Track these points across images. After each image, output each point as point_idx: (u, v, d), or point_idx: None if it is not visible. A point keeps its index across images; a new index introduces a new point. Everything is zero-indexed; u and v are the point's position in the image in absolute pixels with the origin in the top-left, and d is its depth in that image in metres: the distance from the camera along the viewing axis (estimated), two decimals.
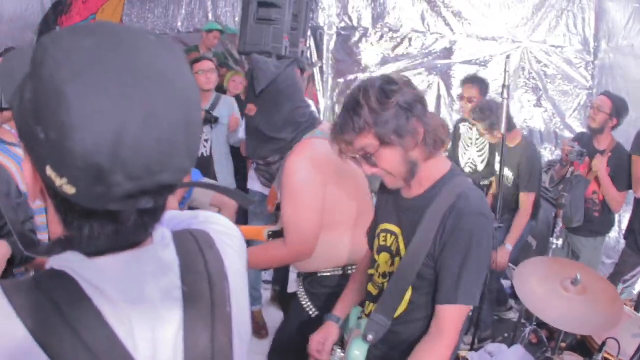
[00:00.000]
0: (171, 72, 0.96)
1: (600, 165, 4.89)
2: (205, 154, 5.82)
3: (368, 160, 2.20)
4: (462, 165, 5.87)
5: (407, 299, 2.30)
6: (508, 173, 5.38)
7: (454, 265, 2.13)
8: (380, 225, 2.50)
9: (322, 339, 2.63)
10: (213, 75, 5.72)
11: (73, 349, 0.99)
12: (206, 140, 5.81)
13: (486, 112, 5.07)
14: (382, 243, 2.46)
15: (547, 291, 3.24)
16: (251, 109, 3.01)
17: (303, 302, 3.16)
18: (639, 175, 4.83)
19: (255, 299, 5.54)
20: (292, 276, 5.73)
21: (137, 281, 1.10)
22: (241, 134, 5.57)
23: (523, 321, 4.98)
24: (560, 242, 4.46)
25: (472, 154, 5.77)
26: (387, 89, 2.11)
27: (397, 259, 2.34)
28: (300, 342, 2.85)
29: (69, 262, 1.05)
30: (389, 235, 2.42)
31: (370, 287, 2.52)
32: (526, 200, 5.25)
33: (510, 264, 5.20)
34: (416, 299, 2.30)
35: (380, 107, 2.08)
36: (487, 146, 5.68)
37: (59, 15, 9.44)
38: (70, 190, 0.92)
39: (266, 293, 6.15)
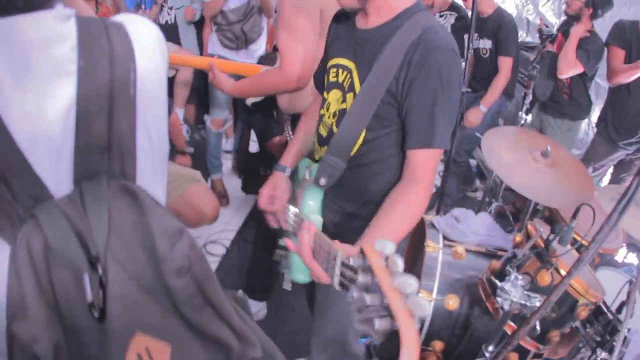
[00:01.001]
0: None
1: (577, 29, 4.78)
2: (169, 22, 5.82)
3: None
4: None
5: (361, 139, 2.09)
6: (485, 43, 5.39)
7: (425, 106, 1.90)
8: (330, 60, 2.23)
9: (270, 190, 2.39)
10: None
11: None
12: (170, 8, 5.76)
13: None
14: (333, 79, 2.20)
15: (516, 159, 3.15)
16: None
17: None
18: (614, 64, 4.76)
19: (216, 167, 5.56)
20: (254, 145, 5.70)
21: (24, 48, 0.99)
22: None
23: (488, 199, 4.97)
24: (529, 117, 4.40)
25: None
26: None
27: (349, 95, 2.09)
28: None
29: None
30: (340, 70, 2.15)
31: (321, 129, 2.30)
32: (504, 63, 5.27)
33: (478, 134, 5.15)
34: (371, 139, 2.07)
35: None
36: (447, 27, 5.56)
37: None
38: None
39: (227, 163, 6.15)
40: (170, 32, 5.61)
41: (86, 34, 1.04)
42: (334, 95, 2.19)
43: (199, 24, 5.95)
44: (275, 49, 3.40)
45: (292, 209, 2.18)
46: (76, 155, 1.01)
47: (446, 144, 1.96)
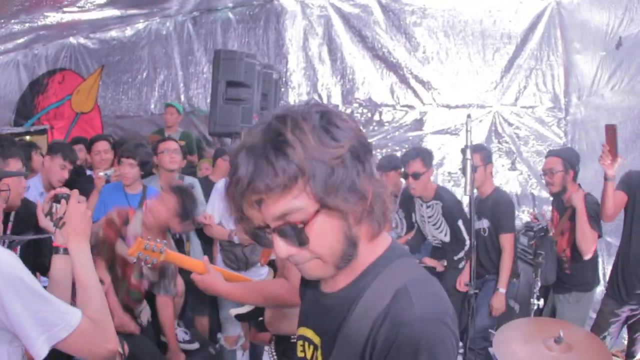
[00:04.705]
0: None
1: (578, 199, 4.76)
2: (176, 235, 5.82)
3: (292, 235, 1.39)
4: (430, 240, 5.87)
5: None
6: (483, 223, 5.40)
7: None
8: (299, 329, 1.74)
9: None
10: (177, 155, 5.69)
11: None
12: None
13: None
14: (300, 354, 1.70)
15: (530, 353, 3.11)
16: None
17: None
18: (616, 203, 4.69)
19: None
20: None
21: None
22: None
23: None
24: (540, 302, 4.35)
25: (431, 230, 5.69)
26: (332, 123, 1.38)
27: None
28: None
29: None
30: (307, 344, 1.67)
31: None
32: (506, 241, 5.27)
33: (492, 330, 5.05)
34: None
35: (322, 150, 1.33)
36: (442, 221, 5.53)
37: (35, 95, 9.65)
38: None
39: None
40: (179, 245, 5.62)
41: None
42: None
43: (201, 237, 6.00)
44: (269, 264, 3.46)
45: None
46: None
47: None
